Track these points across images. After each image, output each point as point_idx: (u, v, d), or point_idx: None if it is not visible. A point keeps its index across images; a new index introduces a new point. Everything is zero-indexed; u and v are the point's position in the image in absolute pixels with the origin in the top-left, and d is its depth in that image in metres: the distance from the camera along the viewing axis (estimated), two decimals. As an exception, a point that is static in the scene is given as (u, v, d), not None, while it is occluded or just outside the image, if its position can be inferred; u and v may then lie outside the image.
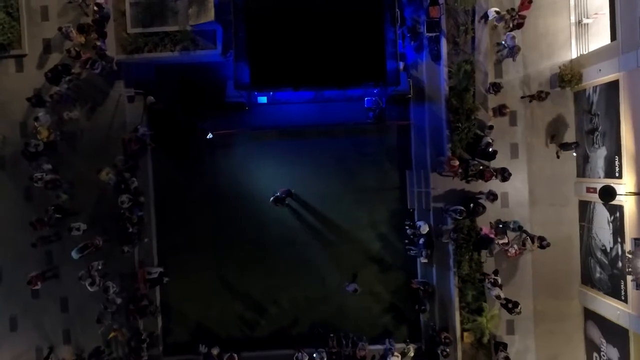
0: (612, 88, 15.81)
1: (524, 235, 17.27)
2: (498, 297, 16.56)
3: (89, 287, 16.62)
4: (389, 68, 15.30)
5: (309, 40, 14.91)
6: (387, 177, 18.63)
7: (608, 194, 14.86)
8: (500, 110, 17.01)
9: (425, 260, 17.80)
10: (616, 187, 15.14)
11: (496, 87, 17.04)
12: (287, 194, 17.79)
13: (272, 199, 17.32)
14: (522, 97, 17.75)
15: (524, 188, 17.89)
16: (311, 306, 18.64)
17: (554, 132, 17.79)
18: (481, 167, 16.93)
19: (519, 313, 16.52)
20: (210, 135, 17.59)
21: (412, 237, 18.12)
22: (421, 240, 17.63)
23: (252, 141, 18.65)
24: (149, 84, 18.39)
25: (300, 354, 17.11)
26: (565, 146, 17.58)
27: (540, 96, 17.30)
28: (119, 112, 18.11)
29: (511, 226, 17.22)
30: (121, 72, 17.96)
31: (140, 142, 17.91)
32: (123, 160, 17.74)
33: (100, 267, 17.29)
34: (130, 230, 17.64)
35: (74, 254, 16.80)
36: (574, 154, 17.66)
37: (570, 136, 17.79)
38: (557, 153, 17.81)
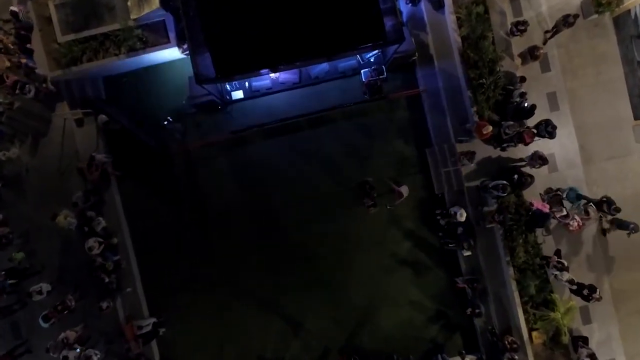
0: (669, -1, 12.54)
1: (584, 201, 14.04)
2: (571, 282, 13.30)
3: (65, 364, 13.42)
4: (388, 24, 11.97)
5: (281, 2, 11.50)
6: (405, 161, 15.37)
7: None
8: (531, 54, 13.65)
9: (469, 253, 14.53)
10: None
11: (521, 26, 13.71)
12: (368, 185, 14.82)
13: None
14: (545, 41, 14.35)
15: (572, 144, 14.60)
16: (341, 331, 15.40)
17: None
18: (519, 129, 13.69)
19: (598, 299, 13.28)
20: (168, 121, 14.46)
21: (446, 227, 14.88)
22: (459, 230, 14.40)
23: (235, 147, 15.41)
24: (98, 101, 15.24)
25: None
26: (620, 224, 14.03)
27: (567, 21, 13.79)
28: (67, 140, 14.86)
29: (564, 196, 14.02)
30: (61, 91, 14.74)
31: (99, 168, 14.67)
32: (82, 198, 14.46)
33: (78, 333, 14.12)
34: (107, 280, 14.44)
35: (42, 322, 13.63)
36: (628, 235, 13.87)
37: (617, 72, 14.52)
38: (604, 229, 14.42)
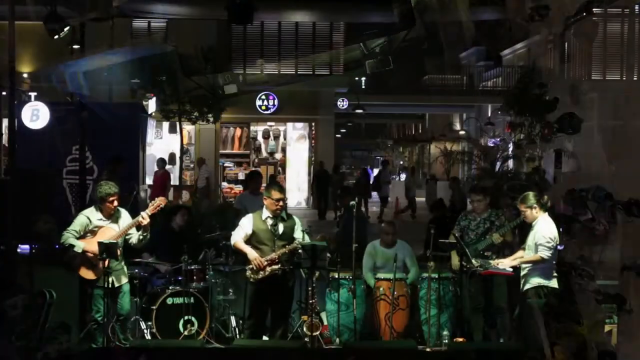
0: None
1: (610, 202, 12.98)
2: (597, 292, 12.26)
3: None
4: (395, 9, 10.98)
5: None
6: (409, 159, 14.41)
7: None
8: (551, 42, 12.69)
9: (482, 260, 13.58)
10: None
11: (542, 11, 12.67)
12: None
13: None
14: (566, 28, 13.30)
15: (596, 141, 13.55)
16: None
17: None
18: (540, 124, 12.75)
19: (629, 311, 12.18)
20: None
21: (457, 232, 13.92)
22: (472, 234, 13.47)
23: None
24: (81, 96, 14.45)
25: None
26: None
27: (591, 7, 12.78)
28: (47, 138, 14.13)
29: (590, 196, 12.98)
30: (41, 87, 14.02)
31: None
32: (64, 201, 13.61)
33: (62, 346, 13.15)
34: (90, 291, 13.47)
35: (14, 340, 12.65)
36: None
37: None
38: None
